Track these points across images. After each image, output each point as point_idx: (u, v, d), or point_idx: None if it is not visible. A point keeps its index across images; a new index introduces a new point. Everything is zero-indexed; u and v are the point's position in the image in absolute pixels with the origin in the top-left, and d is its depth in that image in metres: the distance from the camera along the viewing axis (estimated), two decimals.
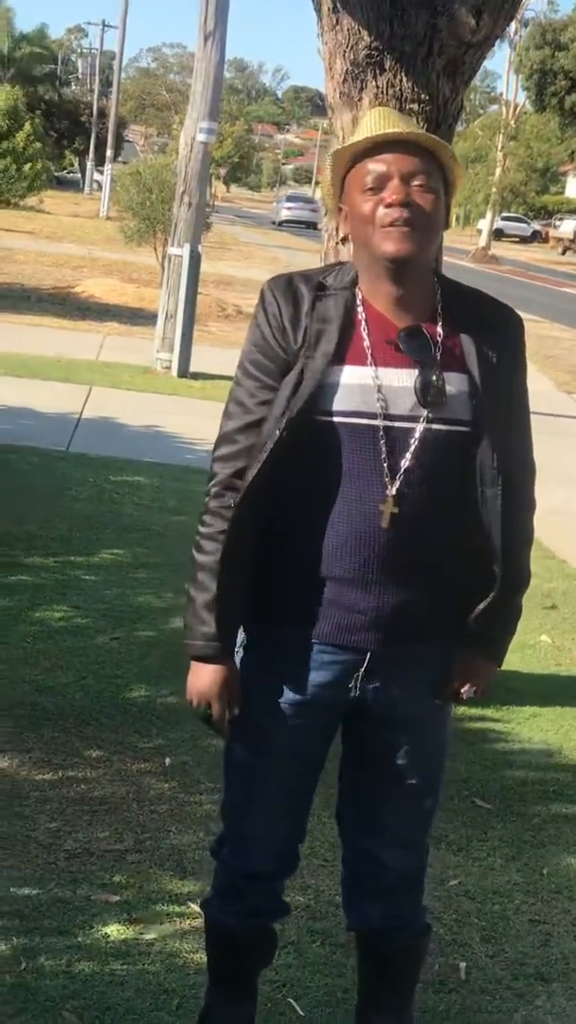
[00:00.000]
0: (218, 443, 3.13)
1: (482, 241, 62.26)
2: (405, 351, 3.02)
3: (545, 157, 69.70)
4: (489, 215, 62.95)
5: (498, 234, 73.63)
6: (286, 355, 3.02)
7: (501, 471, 3.06)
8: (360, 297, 3.05)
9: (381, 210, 2.95)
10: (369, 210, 2.97)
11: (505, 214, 78.80)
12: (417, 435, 3.00)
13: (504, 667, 6.63)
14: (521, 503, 3.18)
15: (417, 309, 3.05)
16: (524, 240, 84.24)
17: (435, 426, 3.02)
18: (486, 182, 62.72)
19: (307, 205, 71.22)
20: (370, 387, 2.99)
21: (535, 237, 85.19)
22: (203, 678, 3.14)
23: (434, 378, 3.01)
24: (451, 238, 57.22)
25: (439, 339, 3.05)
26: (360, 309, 3.04)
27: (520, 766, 5.70)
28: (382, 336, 3.03)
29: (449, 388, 3.03)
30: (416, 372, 3.01)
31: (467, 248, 61.19)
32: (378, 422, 2.99)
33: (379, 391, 2.99)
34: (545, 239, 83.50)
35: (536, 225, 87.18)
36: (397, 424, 3.00)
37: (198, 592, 3.11)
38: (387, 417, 2.99)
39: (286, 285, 3.08)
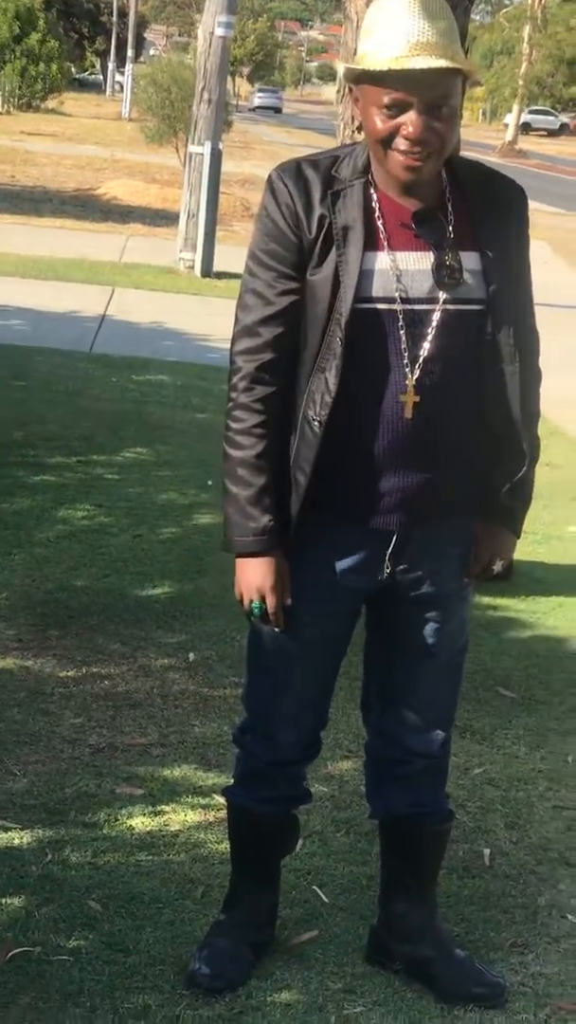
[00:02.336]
0: (238, 336, 3.09)
1: (509, 135, 61.52)
2: (420, 235, 2.98)
3: (573, 48, 68.64)
4: (516, 108, 62.13)
5: (525, 128, 72.83)
6: (301, 243, 2.98)
7: (516, 347, 3.04)
8: (374, 185, 2.99)
9: (399, 139, 2.86)
10: (384, 131, 2.88)
11: (532, 107, 77.85)
12: (435, 319, 2.98)
13: (531, 558, 6.72)
14: (532, 376, 3.17)
15: (427, 192, 3.00)
16: (552, 133, 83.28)
17: (452, 307, 2.99)
18: (512, 75, 61.89)
19: (273, 95, 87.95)
20: (388, 272, 2.96)
21: (563, 130, 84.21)
22: (256, 572, 3.11)
23: (448, 260, 2.98)
24: (478, 133, 56.88)
25: (451, 219, 3.01)
26: (374, 196, 2.99)
27: (545, 656, 5.69)
28: (396, 220, 2.99)
29: (464, 267, 2.99)
30: (432, 254, 2.98)
31: (494, 143, 60.49)
32: (398, 306, 2.96)
33: (398, 277, 2.96)
34: (574, 131, 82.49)
35: (564, 118, 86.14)
36: (417, 308, 2.97)
37: (241, 488, 3.08)
38: (406, 301, 2.96)
39: (296, 173, 3.02)
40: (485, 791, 4.47)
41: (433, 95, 2.83)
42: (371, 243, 2.96)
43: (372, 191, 2.99)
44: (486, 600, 6.08)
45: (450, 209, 3.02)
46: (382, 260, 2.96)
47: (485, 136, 66.68)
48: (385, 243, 2.97)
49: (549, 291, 15.25)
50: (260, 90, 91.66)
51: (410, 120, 2.84)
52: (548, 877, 4.02)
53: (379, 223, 2.98)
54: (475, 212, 3.04)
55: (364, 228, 2.96)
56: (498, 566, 3.32)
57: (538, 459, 3.24)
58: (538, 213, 28.09)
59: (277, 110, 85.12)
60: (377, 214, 2.98)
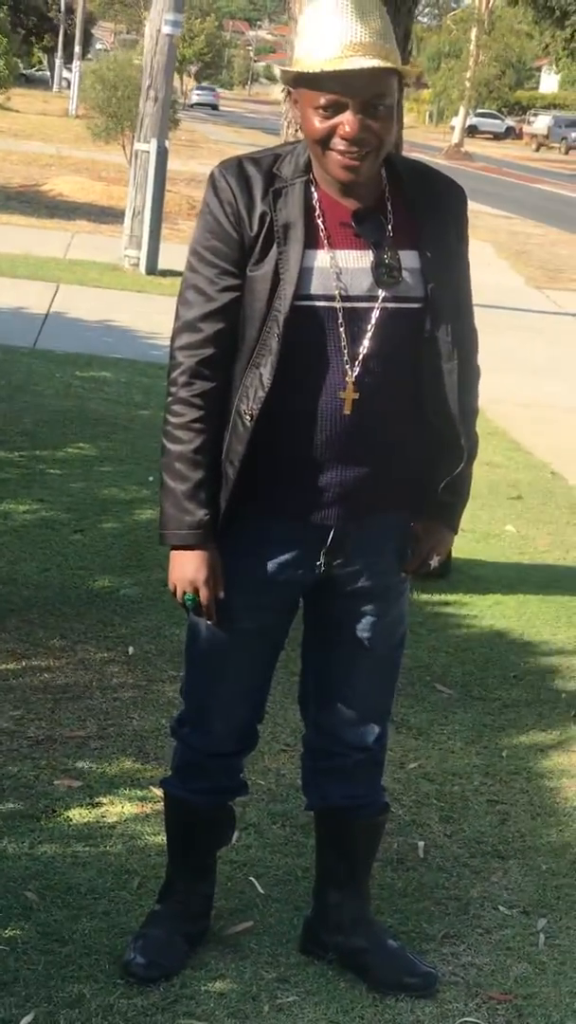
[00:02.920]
0: (179, 331, 3.11)
1: (455, 138, 61.67)
2: (359, 233, 3.02)
3: (519, 51, 68.92)
4: (462, 111, 62.29)
5: (472, 131, 72.98)
6: (242, 240, 3.01)
7: (455, 344, 3.08)
8: (315, 184, 3.03)
9: (336, 139, 2.90)
10: (322, 132, 2.91)
11: (479, 110, 78.06)
12: (374, 316, 3.02)
13: (469, 556, 6.77)
14: (471, 374, 3.21)
15: (366, 191, 3.04)
16: (498, 137, 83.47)
17: (391, 305, 3.03)
18: (459, 78, 62.03)
19: (209, 92, 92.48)
20: (328, 270, 2.99)
21: (509, 133, 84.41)
22: (189, 566, 3.14)
23: (387, 258, 3.02)
24: (424, 135, 56.91)
25: (390, 218, 3.05)
26: (315, 195, 3.03)
27: (482, 652, 5.74)
28: (336, 220, 3.03)
29: (403, 266, 3.03)
30: (371, 253, 3.02)
31: (440, 145, 60.66)
32: (337, 304, 3.00)
33: (338, 275, 2.99)
34: (519, 135, 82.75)
35: (510, 121, 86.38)
36: (356, 305, 3.01)
37: (177, 482, 3.10)
38: (346, 299, 3.00)
39: (237, 170, 3.05)
40: (420, 785, 4.52)
41: (368, 95, 2.87)
42: (311, 241, 3.00)
43: (313, 190, 3.03)
44: (424, 597, 6.13)
45: (389, 208, 3.06)
46: (322, 258, 3.00)
47: (431, 138, 66.86)
48: (325, 241, 3.01)
49: (491, 293, 15.37)
50: (197, 88, 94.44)
51: (346, 120, 2.87)
52: (481, 870, 4.06)
53: (319, 221, 3.01)
54: (414, 211, 3.08)
55: (304, 226, 2.99)
56: (435, 561, 3.36)
57: (476, 456, 3.28)
58: (483, 215, 28.29)
59: (214, 107, 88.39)
60: (317, 212, 3.02)
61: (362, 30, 2.84)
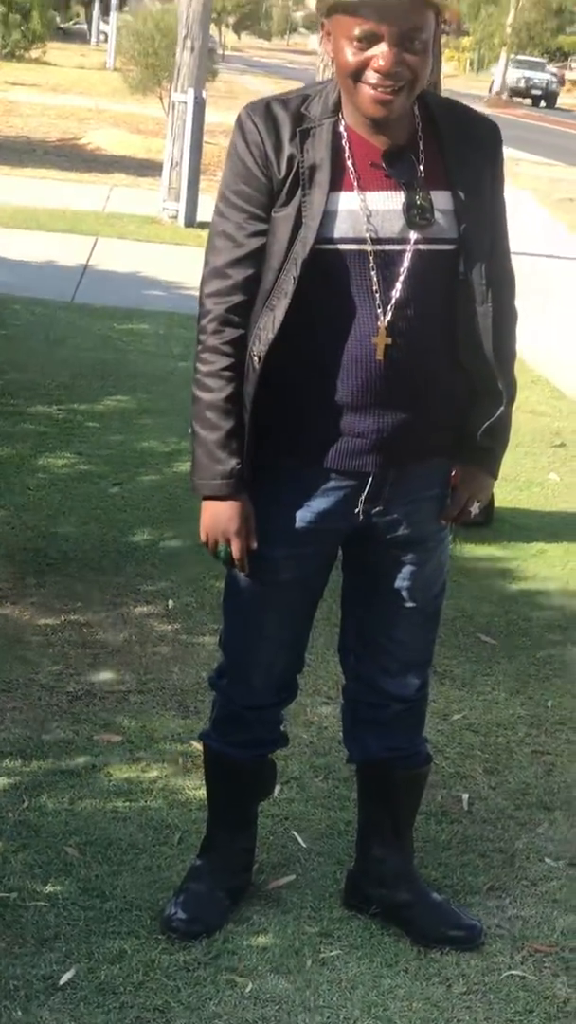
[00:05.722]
0: (208, 278, 3.06)
1: (496, 86, 61.05)
2: (390, 174, 2.95)
3: None
4: (503, 58, 61.65)
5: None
6: (271, 184, 2.96)
7: (489, 286, 3.00)
8: (344, 124, 2.95)
9: (369, 71, 2.83)
10: (355, 64, 2.84)
11: (519, 57, 77.26)
12: (407, 259, 2.96)
13: (512, 504, 6.70)
14: (507, 316, 3.14)
15: (398, 129, 2.96)
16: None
17: (423, 247, 2.97)
18: (500, 24, 61.46)
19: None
20: (358, 212, 2.93)
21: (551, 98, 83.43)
22: (221, 516, 3.10)
23: (418, 199, 2.95)
24: (466, 84, 55.99)
25: (422, 158, 2.97)
26: (344, 135, 2.95)
27: (525, 602, 5.67)
28: (366, 160, 2.96)
29: (435, 207, 2.96)
30: (402, 194, 2.95)
31: (482, 93, 60.08)
32: (368, 247, 2.93)
33: (368, 217, 2.92)
34: (561, 82, 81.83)
35: (552, 68, 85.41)
36: (387, 247, 2.95)
37: (208, 431, 3.06)
38: (377, 241, 2.93)
39: (265, 112, 2.98)
40: (464, 736, 4.47)
41: (405, 27, 2.79)
42: (339, 183, 2.93)
43: (342, 129, 2.95)
44: (467, 547, 6.05)
45: (421, 147, 2.99)
46: (351, 200, 2.93)
47: (474, 87, 66.26)
48: (355, 183, 2.94)
49: (531, 240, 15.23)
50: None
51: (381, 53, 2.80)
52: (526, 821, 4.01)
53: (348, 162, 2.95)
54: (447, 150, 3.01)
55: (332, 168, 2.92)
56: (475, 508, 3.31)
57: (515, 399, 3.22)
58: (523, 163, 28.02)
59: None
60: (347, 153, 2.95)
61: None
